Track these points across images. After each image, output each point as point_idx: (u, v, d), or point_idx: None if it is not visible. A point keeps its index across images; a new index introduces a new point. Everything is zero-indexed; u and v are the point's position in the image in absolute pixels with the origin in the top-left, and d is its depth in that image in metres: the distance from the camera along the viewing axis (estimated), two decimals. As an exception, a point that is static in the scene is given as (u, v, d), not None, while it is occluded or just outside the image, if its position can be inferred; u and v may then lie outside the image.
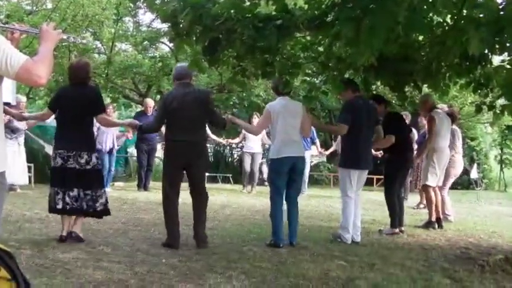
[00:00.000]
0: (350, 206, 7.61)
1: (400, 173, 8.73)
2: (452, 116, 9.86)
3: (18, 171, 11.95)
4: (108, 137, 13.34)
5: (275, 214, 7.20)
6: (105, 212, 6.89)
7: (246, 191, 15.00)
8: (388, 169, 8.76)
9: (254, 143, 14.79)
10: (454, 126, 10.16)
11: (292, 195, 7.37)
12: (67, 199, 6.57)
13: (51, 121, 8.83)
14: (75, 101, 6.70)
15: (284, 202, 7.31)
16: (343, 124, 7.67)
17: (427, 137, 9.31)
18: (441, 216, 9.47)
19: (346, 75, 8.05)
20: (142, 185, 14.06)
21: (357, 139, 7.60)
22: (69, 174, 6.59)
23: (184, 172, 7.06)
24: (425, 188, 9.46)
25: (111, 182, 14.30)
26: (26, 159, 12.42)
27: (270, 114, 7.34)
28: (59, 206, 6.59)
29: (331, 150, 16.05)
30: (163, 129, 7.52)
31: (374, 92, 9.24)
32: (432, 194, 9.31)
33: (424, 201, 11.58)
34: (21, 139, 12.19)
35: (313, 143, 15.13)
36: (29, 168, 12.67)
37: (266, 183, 19.37)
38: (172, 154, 6.94)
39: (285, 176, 7.27)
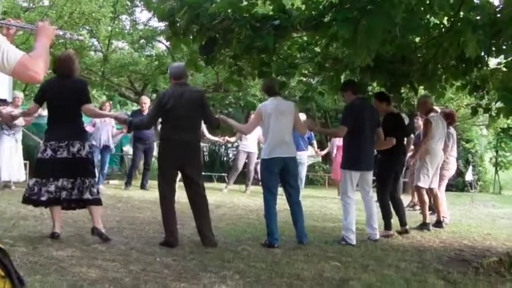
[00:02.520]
0: (351, 206, 7.64)
1: (392, 173, 8.69)
2: (449, 118, 9.89)
3: (15, 168, 11.94)
4: (102, 134, 13.35)
5: (268, 214, 7.24)
6: (98, 201, 6.82)
7: (226, 190, 14.55)
8: (381, 170, 8.73)
9: (250, 142, 14.44)
10: (451, 129, 10.17)
11: (292, 196, 7.45)
12: (54, 190, 6.52)
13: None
14: (61, 93, 6.69)
15: (278, 203, 7.35)
16: (342, 126, 7.70)
17: (422, 139, 9.31)
18: (441, 218, 9.52)
19: (343, 76, 8.07)
20: (130, 184, 13.85)
21: (358, 141, 7.62)
22: (59, 164, 6.56)
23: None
24: (417, 190, 9.51)
25: (105, 180, 14.22)
26: (22, 155, 12.38)
27: (262, 114, 7.37)
28: (43, 198, 6.56)
29: (325, 151, 15.98)
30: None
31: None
32: (425, 195, 9.34)
33: (415, 200, 11.63)
34: (19, 135, 12.18)
35: (310, 143, 15.06)
36: (25, 165, 12.63)
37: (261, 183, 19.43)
38: (168, 153, 6.93)
39: (277, 176, 7.34)
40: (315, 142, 15.48)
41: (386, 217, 8.46)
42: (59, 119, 6.71)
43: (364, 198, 8.00)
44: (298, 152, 14.05)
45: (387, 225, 8.43)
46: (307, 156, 15.00)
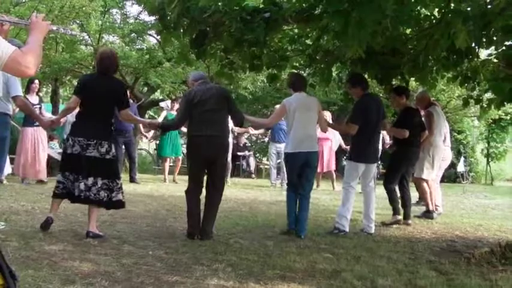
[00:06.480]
0: (351, 194, 7.81)
1: (403, 167, 8.80)
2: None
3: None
4: None
5: (288, 206, 7.52)
6: (121, 204, 6.75)
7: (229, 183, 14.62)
8: (393, 162, 8.92)
9: None
10: (442, 120, 10.22)
11: (305, 190, 7.55)
12: (82, 187, 6.44)
13: None
14: (100, 91, 6.56)
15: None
16: (353, 124, 7.81)
17: (427, 132, 9.31)
18: (432, 208, 9.57)
19: (334, 68, 8.08)
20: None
21: (366, 135, 7.78)
22: (87, 162, 6.46)
23: None
24: (418, 181, 9.55)
25: None
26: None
27: (286, 110, 7.48)
28: (76, 193, 6.48)
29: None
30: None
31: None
32: (425, 186, 9.45)
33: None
34: None
35: None
36: (11, 159, 12.52)
37: (253, 175, 19.47)
38: (196, 149, 6.98)
39: (298, 170, 7.46)
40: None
41: (394, 202, 8.67)
42: (92, 116, 6.58)
43: (364, 189, 8.08)
44: (278, 145, 14.11)
45: (395, 210, 8.57)
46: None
